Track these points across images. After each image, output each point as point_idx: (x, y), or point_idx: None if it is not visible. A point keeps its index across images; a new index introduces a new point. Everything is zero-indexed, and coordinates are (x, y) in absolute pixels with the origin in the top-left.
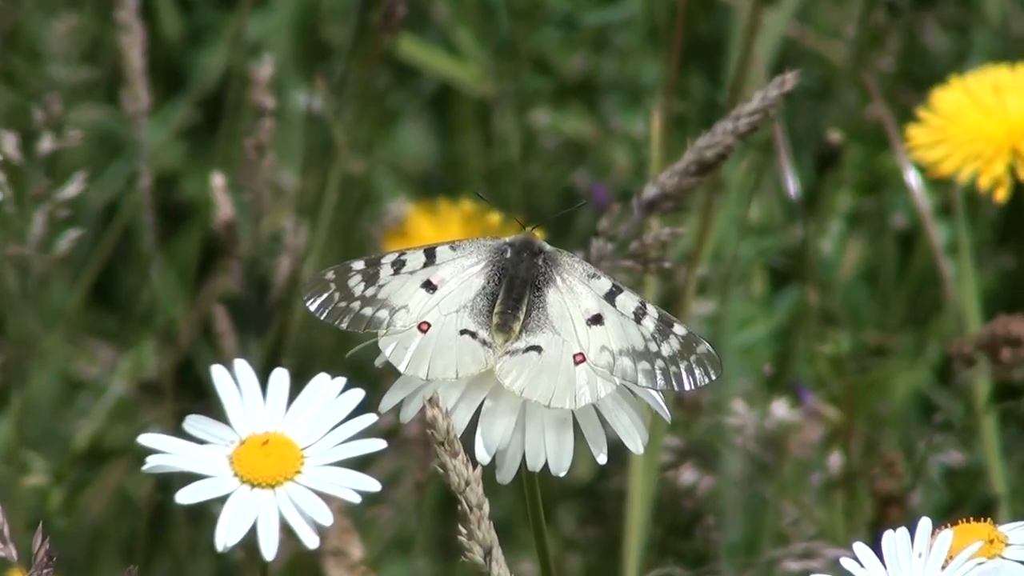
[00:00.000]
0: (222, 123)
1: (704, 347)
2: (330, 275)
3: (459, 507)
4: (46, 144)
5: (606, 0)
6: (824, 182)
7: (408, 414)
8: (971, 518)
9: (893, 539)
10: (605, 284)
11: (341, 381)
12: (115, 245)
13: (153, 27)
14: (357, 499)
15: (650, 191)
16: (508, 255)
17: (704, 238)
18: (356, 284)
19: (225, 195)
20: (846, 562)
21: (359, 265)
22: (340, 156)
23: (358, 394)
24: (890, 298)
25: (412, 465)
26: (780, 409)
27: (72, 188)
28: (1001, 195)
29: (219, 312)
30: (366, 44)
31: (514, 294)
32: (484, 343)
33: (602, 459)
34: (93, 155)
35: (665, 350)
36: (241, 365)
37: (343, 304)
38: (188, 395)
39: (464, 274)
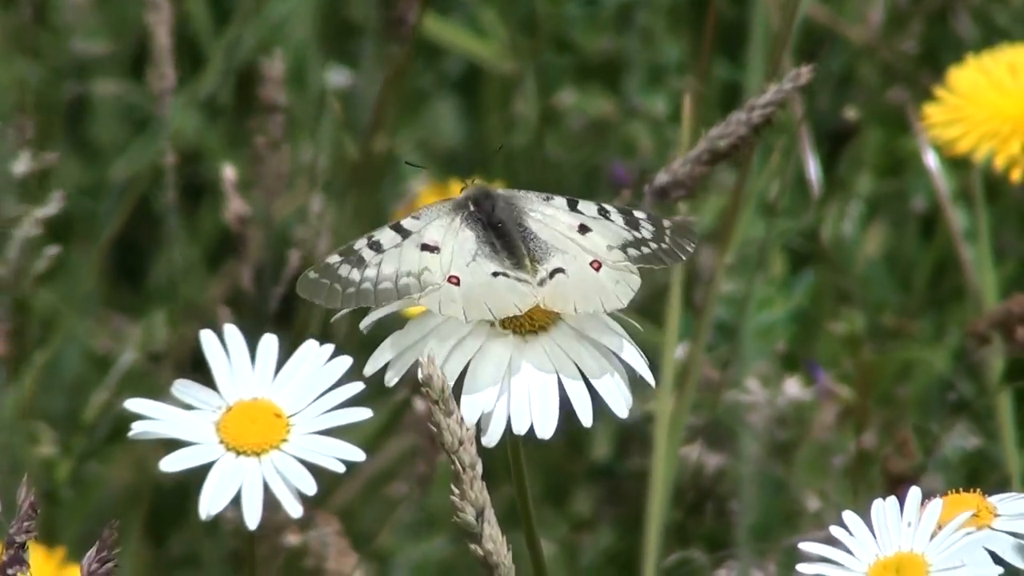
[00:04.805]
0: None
1: (669, 220)
2: (314, 275)
3: (451, 467)
4: (21, 166)
5: None
6: (840, 160)
7: (393, 378)
8: None
9: (882, 508)
10: (561, 200)
11: (329, 348)
12: (139, 223)
13: (178, 2)
14: (341, 468)
15: (662, 178)
16: (471, 208)
17: (733, 221)
18: (348, 272)
19: (235, 189)
20: (835, 530)
21: (335, 259)
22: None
23: (346, 361)
24: (910, 282)
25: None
26: (792, 387)
27: (50, 208)
28: (1016, 175)
29: (223, 312)
30: (390, 23)
31: (505, 235)
32: (519, 279)
33: (587, 422)
34: (117, 130)
35: (645, 233)
36: (231, 331)
37: (352, 291)
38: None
39: (451, 230)
